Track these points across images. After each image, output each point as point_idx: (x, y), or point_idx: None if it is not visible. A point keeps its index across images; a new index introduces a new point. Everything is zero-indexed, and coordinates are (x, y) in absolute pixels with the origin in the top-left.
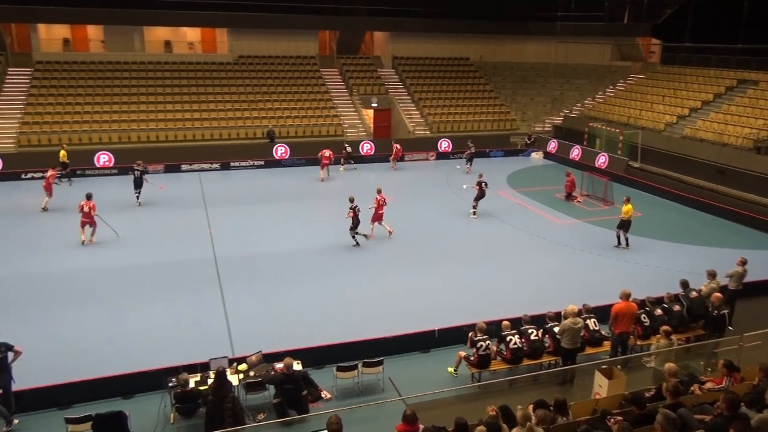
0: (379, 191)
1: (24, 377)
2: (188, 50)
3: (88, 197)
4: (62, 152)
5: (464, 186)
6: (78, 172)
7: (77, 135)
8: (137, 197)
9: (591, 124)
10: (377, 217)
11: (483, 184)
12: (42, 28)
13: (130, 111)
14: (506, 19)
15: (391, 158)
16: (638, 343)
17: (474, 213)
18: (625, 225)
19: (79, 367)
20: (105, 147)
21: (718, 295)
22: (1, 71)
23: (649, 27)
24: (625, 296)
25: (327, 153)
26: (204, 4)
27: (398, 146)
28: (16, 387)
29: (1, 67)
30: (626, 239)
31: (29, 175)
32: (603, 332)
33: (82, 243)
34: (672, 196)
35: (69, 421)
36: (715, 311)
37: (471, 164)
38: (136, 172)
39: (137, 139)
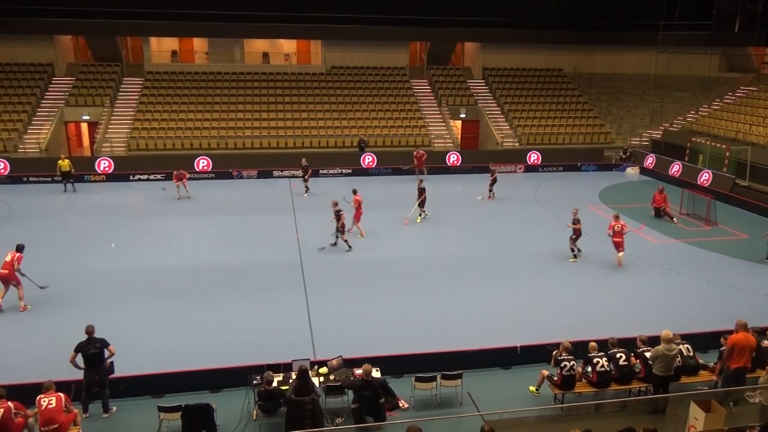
0: (354, 192)
1: (123, 366)
2: (284, 61)
3: (18, 249)
4: (65, 162)
5: (478, 198)
6: None
7: (180, 141)
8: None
9: (693, 139)
10: (357, 217)
11: (424, 189)
12: (153, 41)
13: (228, 119)
14: (603, 29)
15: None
16: None
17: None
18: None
19: (172, 359)
20: (204, 152)
21: None
22: (117, 81)
23: (763, 36)
24: (742, 326)
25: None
26: (300, 17)
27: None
28: (115, 374)
29: (117, 77)
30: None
31: (136, 177)
32: (699, 360)
33: None
34: None
35: (161, 409)
36: None
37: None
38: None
39: (234, 146)
